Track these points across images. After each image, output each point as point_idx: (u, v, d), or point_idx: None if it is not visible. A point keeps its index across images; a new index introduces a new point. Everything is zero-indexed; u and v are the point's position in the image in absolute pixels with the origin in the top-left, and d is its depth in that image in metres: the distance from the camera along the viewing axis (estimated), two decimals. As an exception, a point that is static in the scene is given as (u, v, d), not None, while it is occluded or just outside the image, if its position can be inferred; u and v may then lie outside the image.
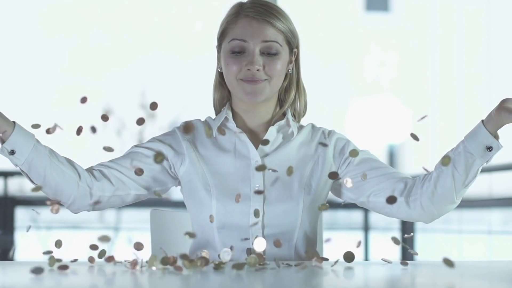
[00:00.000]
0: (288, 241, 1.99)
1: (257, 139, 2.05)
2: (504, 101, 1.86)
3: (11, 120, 1.89)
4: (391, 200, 1.55)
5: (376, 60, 15.58)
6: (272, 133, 2.04)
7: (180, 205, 4.58)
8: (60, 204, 1.83)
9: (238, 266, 1.54)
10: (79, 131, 1.77)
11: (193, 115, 2.68)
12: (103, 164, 2.02)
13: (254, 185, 1.99)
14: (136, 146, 2.06)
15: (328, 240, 1.75)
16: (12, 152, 1.88)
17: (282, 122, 2.06)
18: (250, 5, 2.02)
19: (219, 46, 2.06)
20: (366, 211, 5.28)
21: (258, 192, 1.82)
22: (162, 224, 2.26)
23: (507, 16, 15.11)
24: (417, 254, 1.94)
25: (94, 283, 1.39)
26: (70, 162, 1.96)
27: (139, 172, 1.89)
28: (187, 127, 1.62)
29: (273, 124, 2.05)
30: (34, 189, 1.69)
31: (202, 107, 3.47)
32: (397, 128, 15.53)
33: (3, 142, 1.89)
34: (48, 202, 1.78)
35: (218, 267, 1.58)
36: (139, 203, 2.11)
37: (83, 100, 1.72)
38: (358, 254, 5.16)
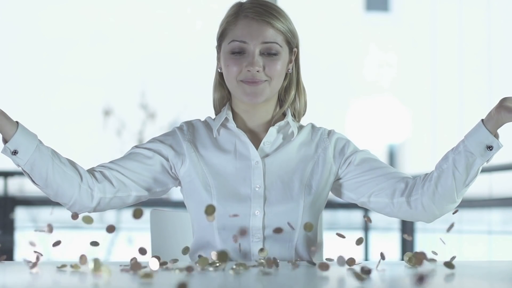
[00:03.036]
0: (289, 242, 1.99)
1: (258, 139, 2.05)
2: (503, 100, 1.86)
3: (14, 120, 1.89)
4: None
5: (376, 60, 15.58)
6: (272, 134, 2.04)
7: (180, 205, 4.58)
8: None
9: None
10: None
11: (193, 115, 2.68)
12: (104, 165, 2.02)
13: (254, 186, 1.99)
14: (136, 146, 2.06)
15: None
16: (14, 152, 1.88)
17: (282, 122, 2.06)
18: (249, 5, 2.01)
19: (218, 47, 2.05)
20: (366, 211, 5.27)
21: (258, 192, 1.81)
22: (162, 224, 2.26)
23: (507, 16, 15.11)
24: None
25: (92, 283, 1.39)
26: (72, 163, 1.96)
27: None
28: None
29: (273, 125, 2.05)
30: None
31: (202, 107, 3.48)
32: (397, 128, 15.53)
33: (5, 142, 1.88)
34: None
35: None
36: (139, 203, 2.10)
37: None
38: (358, 254, 5.17)
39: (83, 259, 1.63)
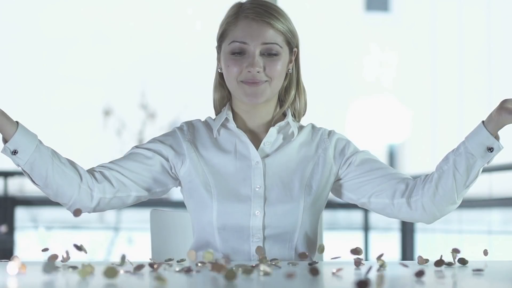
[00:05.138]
0: (289, 242, 1.99)
1: (258, 140, 2.05)
2: (504, 102, 1.87)
3: (14, 120, 1.89)
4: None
5: (376, 60, 15.58)
6: (272, 134, 2.04)
7: (180, 205, 4.58)
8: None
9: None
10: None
11: (193, 115, 2.68)
12: (104, 165, 2.02)
13: (254, 186, 1.99)
14: (136, 147, 2.06)
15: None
16: (14, 152, 1.88)
17: (283, 122, 2.06)
18: (249, 6, 2.01)
19: (219, 47, 2.06)
20: (366, 211, 5.28)
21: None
22: (162, 224, 2.26)
23: (507, 16, 15.11)
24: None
25: (96, 284, 1.39)
26: (72, 163, 1.96)
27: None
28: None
29: (273, 125, 2.05)
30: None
31: (202, 107, 3.47)
32: (397, 128, 15.53)
33: (5, 142, 1.88)
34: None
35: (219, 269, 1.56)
36: (139, 203, 2.11)
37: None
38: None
39: (52, 257, 1.63)
